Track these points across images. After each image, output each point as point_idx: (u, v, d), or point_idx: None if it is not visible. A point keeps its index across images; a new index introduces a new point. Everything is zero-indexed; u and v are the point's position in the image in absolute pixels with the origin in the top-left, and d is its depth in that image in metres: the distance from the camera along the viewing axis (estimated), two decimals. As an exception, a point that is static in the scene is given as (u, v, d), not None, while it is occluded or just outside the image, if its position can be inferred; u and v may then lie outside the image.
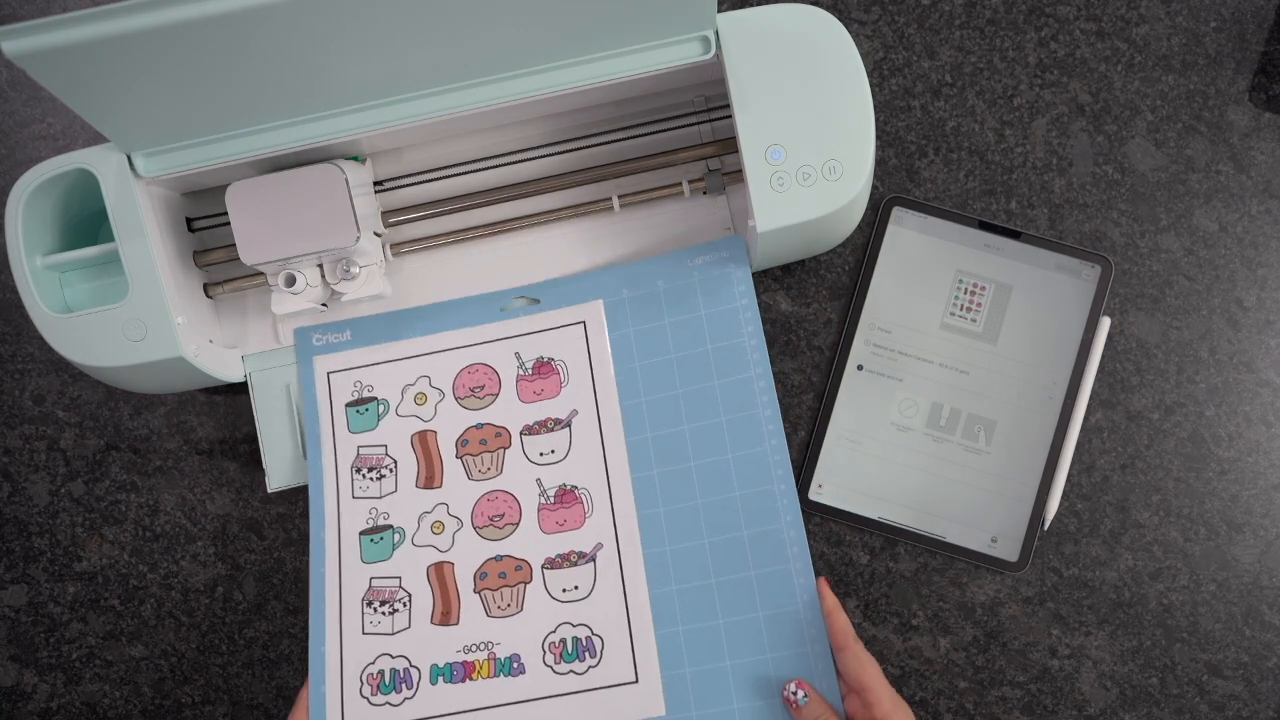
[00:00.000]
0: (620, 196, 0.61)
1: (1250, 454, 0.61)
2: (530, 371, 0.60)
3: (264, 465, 0.61)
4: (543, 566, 0.58)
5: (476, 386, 0.61)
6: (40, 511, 0.65)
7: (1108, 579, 0.61)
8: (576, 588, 0.57)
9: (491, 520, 0.59)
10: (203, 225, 0.61)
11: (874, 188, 0.63)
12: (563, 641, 0.57)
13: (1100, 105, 0.63)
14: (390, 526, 0.59)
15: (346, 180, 0.56)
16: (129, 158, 0.54)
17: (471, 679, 0.57)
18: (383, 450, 0.60)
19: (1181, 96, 0.63)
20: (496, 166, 0.62)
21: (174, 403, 0.65)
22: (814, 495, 0.61)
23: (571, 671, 0.56)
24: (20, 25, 0.42)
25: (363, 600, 0.58)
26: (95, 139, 0.65)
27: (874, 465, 0.61)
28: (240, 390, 0.64)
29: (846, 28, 0.55)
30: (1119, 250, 0.62)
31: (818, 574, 0.58)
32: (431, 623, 0.58)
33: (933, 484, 0.61)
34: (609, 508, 0.58)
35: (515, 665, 0.57)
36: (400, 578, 0.59)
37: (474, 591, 0.58)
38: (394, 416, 0.61)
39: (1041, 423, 0.61)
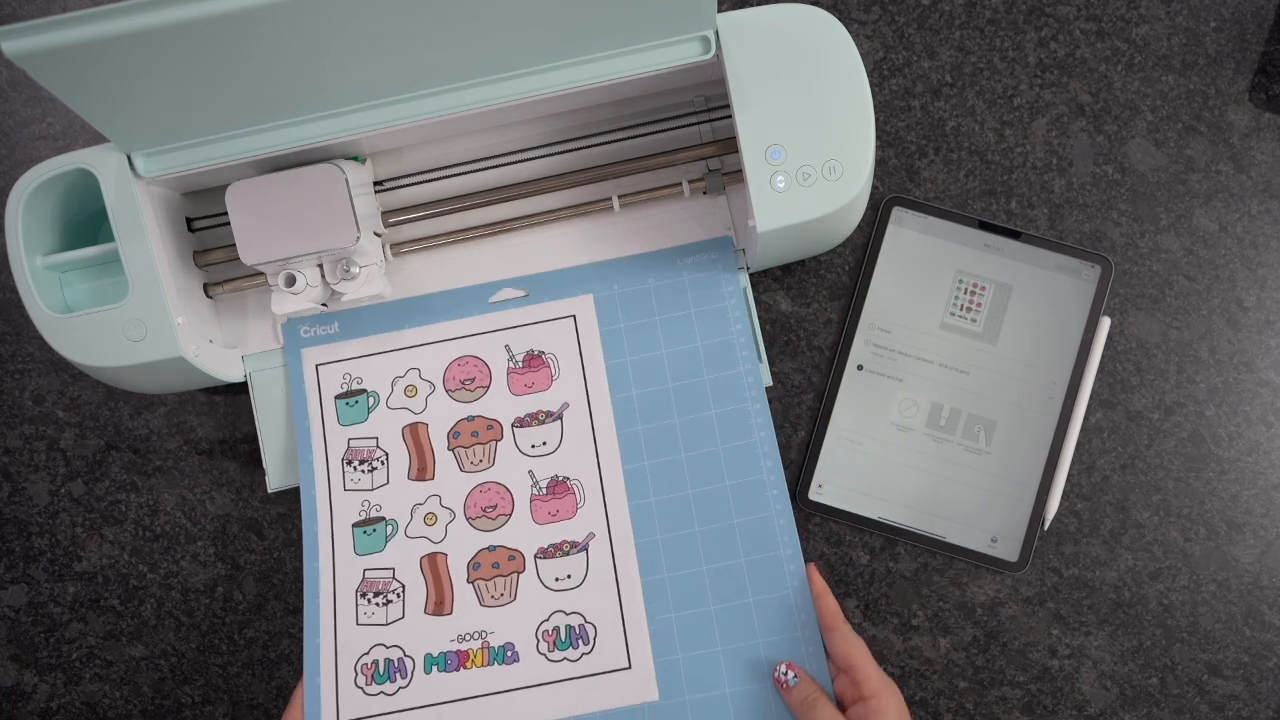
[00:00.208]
0: (620, 196, 0.61)
1: (1250, 454, 0.61)
2: (521, 364, 0.61)
3: (264, 465, 0.61)
4: (535, 556, 0.59)
5: (467, 379, 0.61)
6: (40, 511, 0.65)
7: (1108, 579, 0.61)
8: (569, 576, 0.58)
9: (484, 511, 0.59)
10: (203, 225, 0.61)
11: (874, 188, 0.63)
12: (556, 630, 0.58)
13: (1100, 105, 0.63)
14: (383, 518, 0.60)
15: (346, 180, 0.56)
16: (129, 158, 0.54)
17: (465, 668, 0.57)
18: (373, 443, 0.61)
19: (1181, 96, 0.63)
20: (496, 166, 0.62)
21: (174, 403, 0.65)
22: (814, 495, 0.61)
23: (565, 659, 0.57)
24: (20, 25, 0.42)
25: (356, 591, 0.59)
26: (95, 139, 0.65)
27: (874, 465, 0.61)
28: (240, 390, 0.64)
29: (846, 28, 0.55)
30: (1119, 250, 0.62)
31: (808, 563, 0.59)
32: (425, 613, 0.58)
33: (933, 484, 0.61)
34: (601, 498, 0.59)
35: (509, 654, 0.57)
36: (393, 569, 0.59)
37: (467, 581, 0.59)
38: (384, 409, 0.61)
39: (1041, 423, 0.61)
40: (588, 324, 0.61)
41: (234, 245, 0.57)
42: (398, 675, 0.58)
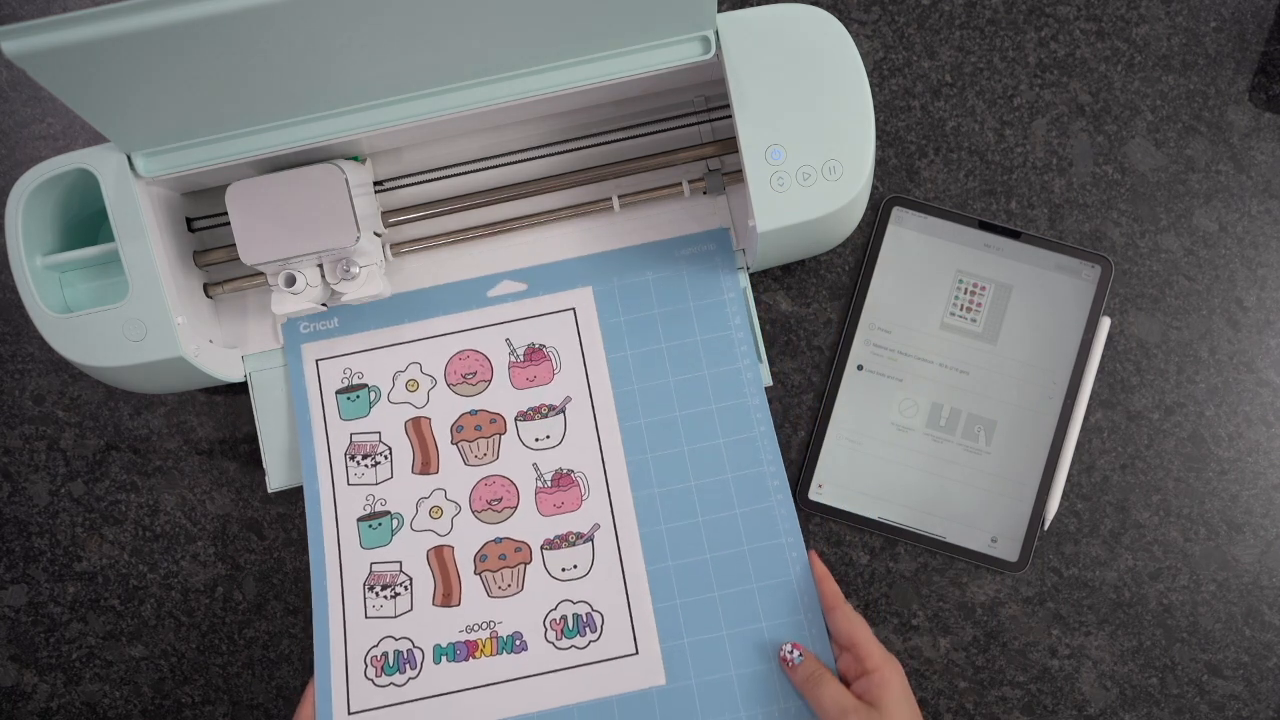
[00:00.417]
0: (620, 196, 0.61)
1: (1250, 454, 0.61)
2: (522, 358, 0.61)
3: (264, 465, 0.61)
4: (542, 547, 0.59)
5: (469, 373, 0.61)
6: (40, 511, 0.65)
7: (1108, 579, 0.61)
8: (575, 566, 0.59)
9: (490, 504, 0.60)
10: (203, 225, 0.61)
11: (874, 188, 0.63)
12: (563, 618, 0.58)
13: (1100, 105, 0.63)
14: (388, 512, 0.60)
15: (346, 180, 0.56)
16: (129, 158, 0.54)
17: (474, 657, 0.58)
18: (376, 437, 0.61)
19: (1181, 96, 0.63)
20: (496, 166, 0.62)
21: (174, 403, 0.65)
22: (814, 495, 0.61)
23: (573, 646, 0.58)
24: (20, 25, 0.42)
25: (364, 585, 0.59)
26: (95, 139, 0.65)
27: (874, 465, 0.61)
28: (240, 390, 0.64)
29: (846, 28, 0.55)
30: (1119, 250, 0.62)
31: (809, 550, 0.59)
32: (433, 604, 0.59)
33: (933, 484, 0.61)
34: (605, 490, 0.60)
35: (518, 643, 0.58)
36: (400, 562, 0.59)
37: (474, 573, 0.59)
38: (386, 403, 0.61)
39: (1041, 423, 0.61)
40: (588, 317, 0.61)
41: (234, 245, 0.57)
42: (407, 666, 0.58)
